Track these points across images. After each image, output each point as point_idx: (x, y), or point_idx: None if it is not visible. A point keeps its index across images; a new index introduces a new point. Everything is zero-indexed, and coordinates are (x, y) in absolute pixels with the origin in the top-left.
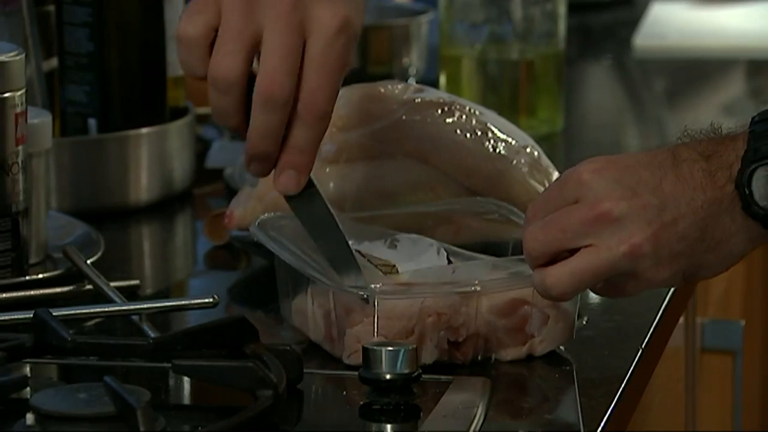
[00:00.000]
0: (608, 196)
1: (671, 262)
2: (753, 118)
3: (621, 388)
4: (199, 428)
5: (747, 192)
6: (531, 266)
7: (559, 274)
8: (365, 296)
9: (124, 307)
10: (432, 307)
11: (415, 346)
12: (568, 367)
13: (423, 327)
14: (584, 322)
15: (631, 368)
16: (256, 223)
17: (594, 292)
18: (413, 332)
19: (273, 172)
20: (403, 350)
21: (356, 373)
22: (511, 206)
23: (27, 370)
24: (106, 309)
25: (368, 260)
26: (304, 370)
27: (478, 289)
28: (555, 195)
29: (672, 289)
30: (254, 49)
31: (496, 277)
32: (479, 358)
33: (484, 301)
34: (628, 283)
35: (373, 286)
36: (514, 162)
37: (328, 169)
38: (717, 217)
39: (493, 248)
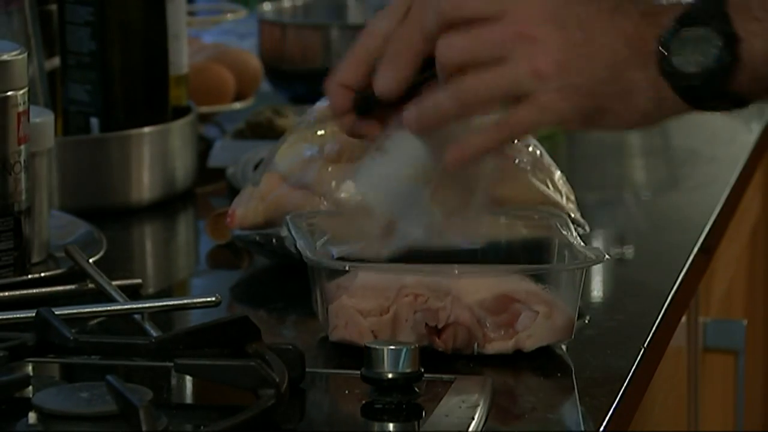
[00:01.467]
0: (533, 17)
1: (572, 94)
2: None
3: (623, 388)
4: (201, 427)
5: (665, 51)
6: (439, 72)
7: (468, 81)
8: (346, 269)
9: (126, 306)
10: (409, 286)
11: (417, 345)
12: (570, 367)
13: (399, 306)
14: (586, 321)
15: (634, 368)
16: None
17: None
18: (389, 310)
19: None
20: (405, 349)
21: (358, 372)
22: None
23: (29, 369)
24: (109, 308)
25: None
26: (306, 369)
27: (456, 272)
28: (485, 2)
29: (674, 288)
30: None
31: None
32: (461, 348)
33: (469, 292)
34: (525, 108)
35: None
36: (516, 161)
37: (330, 168)
38: (631, 67)
39: (503, 247)
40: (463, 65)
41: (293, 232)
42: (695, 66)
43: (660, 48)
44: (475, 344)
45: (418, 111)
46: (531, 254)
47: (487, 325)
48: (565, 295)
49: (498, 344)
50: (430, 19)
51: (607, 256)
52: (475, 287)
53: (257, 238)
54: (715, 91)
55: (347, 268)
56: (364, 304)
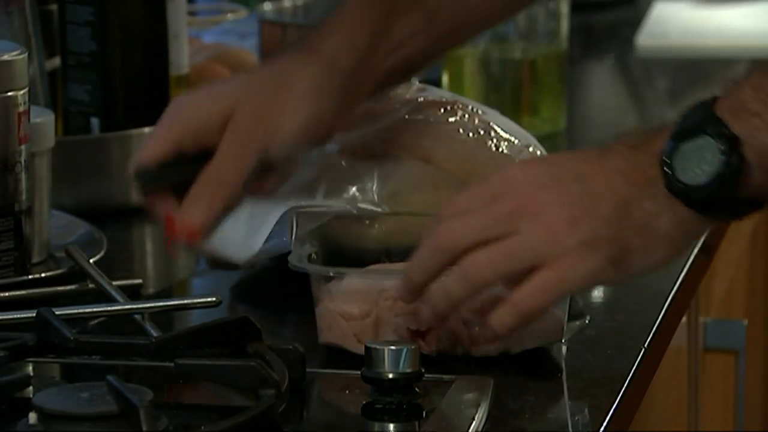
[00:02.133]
0: (532, 186)
1: (595, 247)
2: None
3: (623, 388)
4: (202, 427)
5: (669, 170)
6: (438, 260)
7: (471, 262)
8: (330, 274)
9: (126, 307)
10: (390, 291)
11: (417, 345)
12: (570, 367)
13: (379, 309)
14: (586, 322)
15: (634, 368)
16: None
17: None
18: (370, 314)
19: None
20: (405, 349)
21: (359, 372)
22: None
23: (29, 369)
24: (109, 308)
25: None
26: (307, 370)
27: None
28: (479, 190)
29: (675, 288)
30: None
31: None
32: (446, 350)
33: None
34: (547, 275)
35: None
36: (517, 161)
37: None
38: (639, 199)
39: None
40: (470, 247)
41: (292, 236)
42: (704, 175)
43: (664, 169)
44: (460, 346)
45: (430, 306)
46: None
47: (475, 327)
48: None
49: (484, 347)
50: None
51: None
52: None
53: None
54: (730, 195)
55: (331, 274)
56: (347, 307)
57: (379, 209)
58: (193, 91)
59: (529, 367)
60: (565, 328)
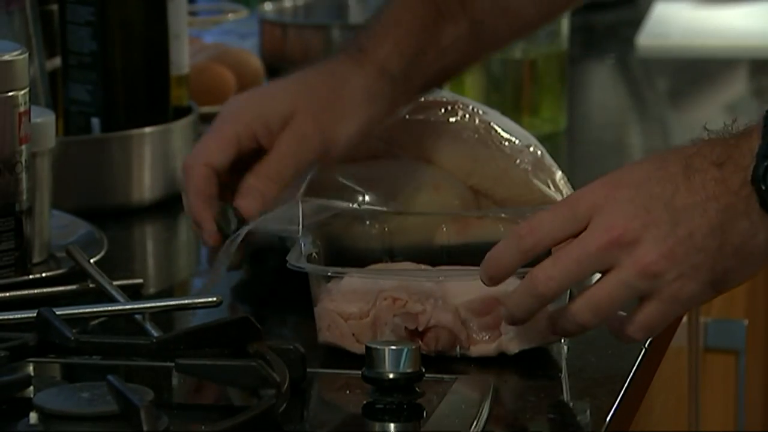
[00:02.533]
0: (622, 219)
1: (694, 276)
2: (766, 112)
3: (624, 388)
4: (203, 427)
5: (764, 188)
6: (536, 302)
7: (578, 305)
8: (329, 274)
9: (127, 307)
10: (389, 291)
11: (417, 345)
12: (571, 367)
13: (377, 309)
14: None
15: (635, 368)
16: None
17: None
18: (368, 314)
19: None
20: (406, 349)
21: (359, 372)
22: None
23: (30, 369)
24: (109, 308)
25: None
26: (308, 370)
27: (440, 278)
28: (565, 215)
29: None
30: None
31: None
32: (444, 351)
33: (456, 294)
34: (653, 307)
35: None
36: (518, 161)
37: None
38: (733, 222)
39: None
40: (566, 289)
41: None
42: None
43: (759, 188)
44: (458, 347)
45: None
46: None
47: (473, 327)
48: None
49: (482, 347)
50: (509, 253)
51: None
52: (462, 289)
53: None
54: None
55: (329, 273)
56: (345, 307)
57: (384, 208)
58: (249, 92)
59: (530, 367)
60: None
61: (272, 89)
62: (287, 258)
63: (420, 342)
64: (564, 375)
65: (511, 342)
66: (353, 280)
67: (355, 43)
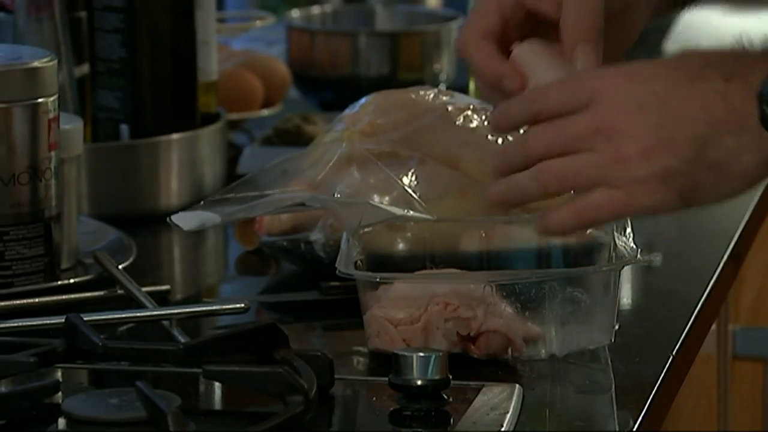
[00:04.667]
0: (613, 110)
1: (664, 180)
2: None
3: (652, 395)
4: None
5: (766, 106)
6: (520, 158)
7: (552, 165)
8: (378, 280)
9: (154, 313)
10: (440, 295)
11: (445, 352)
12: (598, 374)
13: (429, 314)
14: (616, 328)
15: (663, 375)
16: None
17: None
18: (419, 319)
19: None
20: (433, 356)
21: (387, 379)
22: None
23: (58, 375)
24: (137, 314)
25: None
26: (335, 376)
27: (489, 282)
28: (570, 92)
29: (704, 295)
30: None
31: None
32: (496, 355)
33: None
34: (614, 195)
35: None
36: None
37: (362, 175)
38: (719, 136)
39: (523, 255)
40: (548, 156)
41: (343, 242)
42: None
43: (762, 107)
44: (510, 350)
45: (501, 190)
46: (568, 259)
47: (520, 329)
48: (600, 298)
49: (532, 350)
50: (519, 111)
51: (639, 257)
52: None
53: (285, 243)
54: None
55: (378, 279)
56: (395, 313)
57: (429, 216)
58: None
59: (557, 374)
60: (614, 330)
61: None
62: (336, 265)
63: (472, 346)
64: (591, 382)
65: (561, 345)
66: (402, 286)
67: None
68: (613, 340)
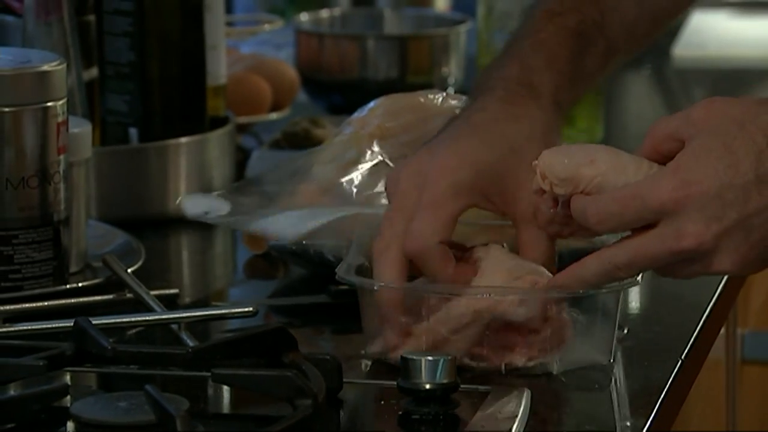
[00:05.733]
0: (694, 227)
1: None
2: None
3: (661, 399)
4: None
5: None
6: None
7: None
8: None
9: (163, 316)
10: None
11: (453, 355)
12: (607, 378)
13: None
14: (624, 332)
15: (671, 379)
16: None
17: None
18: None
19: None
20: (442, 360)
21: (395, 383)
22: None
23: (67, 378)
24: (146, 318)
25: None
26: (344, 380)
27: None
28: (635, 215)
29: (713, 300)
30: None
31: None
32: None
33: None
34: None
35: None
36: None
37: (370, 178)
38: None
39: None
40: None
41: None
42: None
43: None
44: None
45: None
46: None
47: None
48: (600, 318)
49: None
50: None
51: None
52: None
53: (293, 248)
54: None
55: (375, 287)
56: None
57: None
58: (444, 154)
59: (566, 378)
60: (613, 349)
61: (472, 151)
62: (336, 270)
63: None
64: (600, 386)
65: (556, 363)
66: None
67: (518, 81)
68: (612, 360)
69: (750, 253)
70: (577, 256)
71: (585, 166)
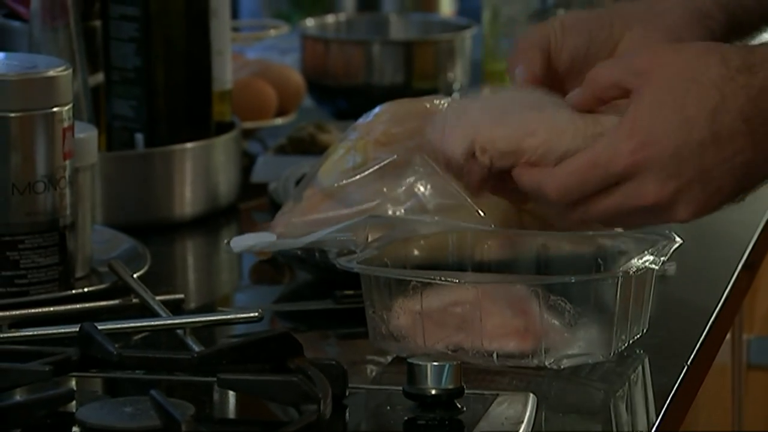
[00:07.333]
0: (654, 185)
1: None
2: None
3: (667, 405)
4: None
5: None
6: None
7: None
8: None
9: (169, 321)
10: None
11: (459, 362)
12: (614, 384)
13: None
14: (616, 345)
15: (677, 385)
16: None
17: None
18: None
19: None
20: (447, 365)
21: (401, 388)
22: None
23: (73, 383)
24: (152, 323)
25: None
26: (349, 385)
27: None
28: (597, 180)
29: (719, 305)
30: None
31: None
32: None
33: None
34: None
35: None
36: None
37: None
38: (755, 172)
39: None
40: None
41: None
42: None
43: None
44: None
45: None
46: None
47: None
48: (591, 309)
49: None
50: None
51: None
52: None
53: (299, 253)
54: None
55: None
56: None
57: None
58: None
59: (571, 383)
60: (612, 346)
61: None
62: (336, 259)
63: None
64: (606, 392)
65: (552, 360)
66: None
67: None
68: (611, 356)
69: (707, 202)
70: (572, 259)
71: (527, 137)
